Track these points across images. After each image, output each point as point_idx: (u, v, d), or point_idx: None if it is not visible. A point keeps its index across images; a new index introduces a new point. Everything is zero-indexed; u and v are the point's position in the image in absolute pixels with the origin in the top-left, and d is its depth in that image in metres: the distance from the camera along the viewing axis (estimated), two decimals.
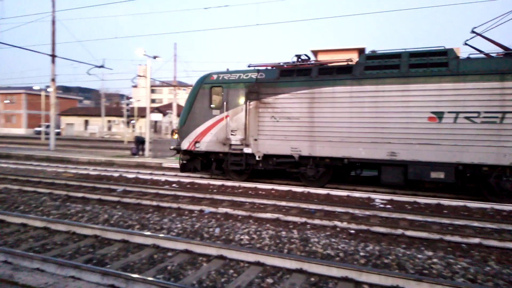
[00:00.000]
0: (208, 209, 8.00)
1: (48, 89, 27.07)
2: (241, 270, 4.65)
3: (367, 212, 7.76)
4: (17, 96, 61.31)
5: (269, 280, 4.35)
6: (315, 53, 33.42)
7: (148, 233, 5.85)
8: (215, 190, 10.20)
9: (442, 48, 9.48)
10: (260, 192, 10.01)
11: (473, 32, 9.93)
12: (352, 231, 6.56)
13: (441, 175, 9.14)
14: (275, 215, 7.36)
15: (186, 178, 11.75)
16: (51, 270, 4.34)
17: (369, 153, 9.80)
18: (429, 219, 7.31)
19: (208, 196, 9.26)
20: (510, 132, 8.58)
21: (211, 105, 11.75)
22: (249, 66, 11.85)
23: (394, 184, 10.01)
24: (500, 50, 9.51)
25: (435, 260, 5.09)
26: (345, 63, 10.70)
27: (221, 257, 4.99)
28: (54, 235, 6.08)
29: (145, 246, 5.52)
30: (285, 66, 11.37)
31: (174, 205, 8.31)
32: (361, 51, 27.06)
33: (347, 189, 10.99)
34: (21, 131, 60.57)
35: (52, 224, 6.39)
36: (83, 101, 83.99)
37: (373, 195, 9.32)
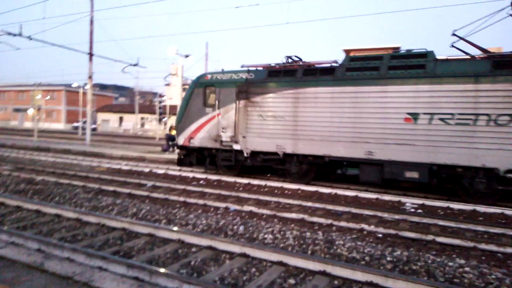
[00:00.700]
0: (233, 206, 8.03)
1: (86, 86, 28.26)
2: (263, 269, 4.63)
3: (397, 216, 7.51)
4: (57, 93, 64.40)
5: (291, 281, 4.30)
6: (347, 52, 32.78)
7: (174, 228, 5.95)
8: (241, 188, 10.23)
9: (423, 50, 9.64)
10: (286, 192, 9.95)
11: (453, 35, 9.97)
12: (380, 235, 6.37)
13: (415, 174, 9.29)
14: (300, 216, 7.28)
15: (214, 175, 11.87)
16: (80, 260, 4.50)
17: (348, 152, 10.07)
18: (463, 226, 6.97)
19: (234, 194, 9.30)
20: (483, 134, 8.60)
21: (205, 104, 12.33)
22: (242, 67, 12.25)
23: (372, 183, 10.22)
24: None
25: (467, 268, 4.84)
26: (328, 65, 10.92)
27: (244, 255, 4.98)
28: (85, 226, 6.31)
29: (171, 240, 5.61)
30: (276, 66, 11.72)
31: (201, 202, 8.41)
32: (395, 50, 26.27)
33: (372, 191, 10.70)
34: (60, 126, 63.60)
35: (83, 215, 6.64)
36: (118, 98, 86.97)
37: (403, 199, 9.02)
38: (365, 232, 6.50)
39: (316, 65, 11.17)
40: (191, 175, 11.92)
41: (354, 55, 10.54)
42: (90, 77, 23.63)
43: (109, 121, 60.65)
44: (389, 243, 5.97)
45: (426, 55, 9.49)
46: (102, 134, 45.45)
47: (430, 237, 6.19)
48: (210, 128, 12.19)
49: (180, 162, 13.27)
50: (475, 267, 4.93)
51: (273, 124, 11.11)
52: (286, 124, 10.90)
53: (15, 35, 19.06)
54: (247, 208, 7.88)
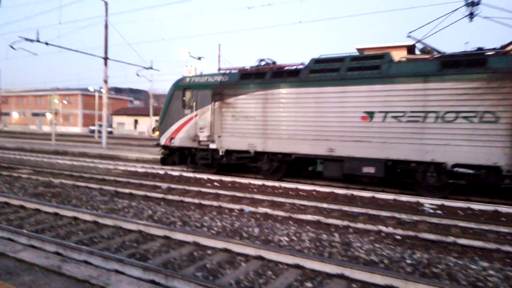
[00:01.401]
0: (248, 208, 7.99)
1: (101, 90, 28.74)
2: (279, 272, 4.56)
3: (415, 217, 7.33)
4: (73, 97, 65.72)
5: (308, 284, 4.22)
6: (360, 51, 32.38)
7: (189, 230, 5.94)
8: (255, 190, 10.19)
9: (381, 52, 10.28)
10: (300, 193, 9.85)
11: (408, 36, 10.46)
12: (398, 237, 6.23)
13: (371, 170, 9.80)
14: (316, 217, 7.18)
15: (227, 177, 11.86)
16: (97, 263, 4.53)
17: (312, 149, 10.67)
18: (485, 227, 6.76)
19: (248, 195, 9.27)
20: (431, 131, 9.08)
21: (184, 105, 13.06)
22: (219, 70, 13.08)
23: (334, 178, 10.78)
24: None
25: (491, 271, 4.67)
26: (294, 67, 11.46)
27: (259, 257, 4.93)
28: (101, 228, 6.37)
29: (186, 243, 5.61)
30: (249, 69, 12.33)
31: (215, 203, 8.40)
32: (410, 48, 25.74)
33: (373, 190, 10.51)
34: (77, 129, 64.86)
35: (100, 218, 6.70)
36: (133, 101, 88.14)
37: (422, 200, 8.82)
38: (383, 234, 6.37)
39: (287, 68, 11.65)
40: (205, 176, 11.94)
41: (318, 58, 11.07)
42: (105, 81, 23.98)
43: (125, 124, 61.54)
44: (408, 245, 5.83)
45: (383, 57, 10.00)
46: (118, 137, 46.12)
47: (450, 239, 6.02)
48: (188, 128, 12.89)
49: (164, 161, 13.88)
50: (499, 270, 4.76)
51: (245, 124, 11.75)
52: (256, 123, 11.56)
53: (32, 41, 19.49)
54: (261, 209, 7.83)
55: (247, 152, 11.82)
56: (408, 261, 5.01)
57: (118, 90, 70.28)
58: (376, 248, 5.49)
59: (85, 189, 10.07)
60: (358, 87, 9.90)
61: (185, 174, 12.54)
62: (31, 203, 7.77)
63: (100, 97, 40.75)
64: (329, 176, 10.65)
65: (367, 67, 9.96)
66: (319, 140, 10.50)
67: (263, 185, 10.73)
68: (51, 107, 25.49)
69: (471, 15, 10.04)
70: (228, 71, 12.69)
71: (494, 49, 9.25)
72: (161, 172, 13.03)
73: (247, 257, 4.99)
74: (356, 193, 9.53)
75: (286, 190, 10.14)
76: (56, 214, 7.21)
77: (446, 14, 9.80)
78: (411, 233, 6.32)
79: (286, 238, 5.92)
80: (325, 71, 10.56)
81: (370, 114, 9.76)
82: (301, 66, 11.29)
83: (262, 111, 11.43)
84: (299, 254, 4.82)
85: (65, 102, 63.77)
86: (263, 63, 12.41)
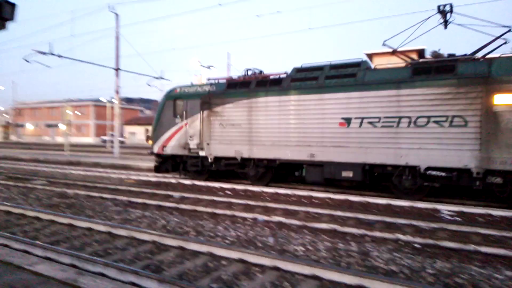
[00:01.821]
0: (261, 217, 7.90)
1: (113, 100, 29.09)
2: (296, 283, 4.46)
3: (433, 225, 7.15)
4: (86, 108, 66.73)
5: None
6: (370, 56, 32.15)
7: (204, 240, 5.89)
8: (268, 198, 10.10)
9: (359, 60, 10.50)
10: (314, 200, 9.72)
11: (384, 44, 10.65)
12: (417, 245, 6.06)
13: (350, 174, 10.09)
14: (331, 226, 7.05)
15: (239, 185, 11.80)
16: (112, 275, 4.49)
17: (294, 155, 11.02)
18: (507, 234, 6.54)
19: (261, 204, 9.18)
20: (405, 135, 9.37)
21: (175, 114, 13.48)
22: (208, 80, 13.52)
23: (315, 183, 11.15)
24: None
25: None
26: (277, 76, 11.86)
27: (275, 268, 4.84)
28: (116, 239, 6.35)
29: (200, 253, 5.55)
30: (237, 79, 12.77)
31: (228, 212, 8.33)
32: (420, 52, 25.50)
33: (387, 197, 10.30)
34: (90, 139, 65.73)
35: (114, 229, 6.69)
36: (145, 111, 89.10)
37: (439, 206, 8.60)
38: (401, 243, 6.20)
39: (271, 77, 12.00)
40: (217, 185, 11.90)
41: (300, 66, 11.49)
42: (117, 91, 24.29)
43: (136, 134, 62.14)
44: (428, 253, 5.66)
45: (360, 64, 10.37)
46: (130, 146, 46.55)
47: (472, 247, 5.83)
48: (179, 137, 13.30)
49: (157, 169, 14.19)
50: None
51: (232, 132, 12.17)
52: (242, 131, 11.96)
53: (46, 53, 19.88)
54: (275, 218, 7.73)
55: (234, 158, 12.18)
56: (429, 271, 4.85)
57: (129, 100, 71.24)
58: (395, 257, 5.35)
59: (99, 199, 10.12)
60: (336, 94, 10.28)
61: (197, 183, 12.51)
62: (46, 214, 7.82)
63: (112, 108, 41.28)
64: (311, 181, 10.98)
65: (344, 75, 10.36)
66: (301, 146, 10.87)
67: (276, 193, 10.63)
68: (64, 118, 25.92)
69: (446, 23, 10.25)
70: (215, 81, 13.10)
71: (464, 55, 9.52)
72: (173, 181, 13.04)
73: (263, 268, 4.90)
74: (371, 200, 9.36)
75: (299, 198, 10.03)
76: (70, 225, 7.24)
77: (419, 22, 10.10)
78: (430, 241, 6.15)
79: (302, 248, 5.81)
80: (306, 80, 10.98)
81: (347, 120, 10.12)
82: (284, 75, 11.71)
83: (247, 119, 11.85)
84: (316, 264, 4.71)
85: (77, 113, 64.79)
86: (249, 72, 12.85)
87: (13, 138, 76.96)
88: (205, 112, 12.68)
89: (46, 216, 7.76)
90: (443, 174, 9.04)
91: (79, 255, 5.03)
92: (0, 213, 8.34)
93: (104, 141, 54.68)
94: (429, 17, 10.06)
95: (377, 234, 6.60)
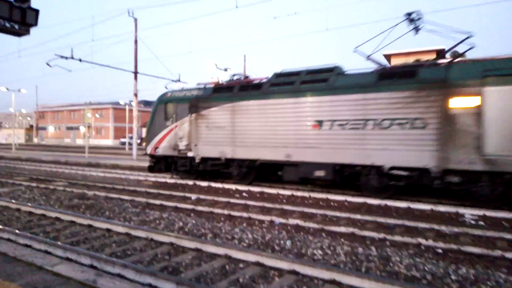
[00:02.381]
0: (278, 220, 7.84)
1: (131, 103, 29.54)
2: (315, 287, 4.38)
3: (456, 229, 6.93)
4: (105, 111, 68.10)
5: None
6: (388, 57, 31.64)
7: (220, 242, 5.87)
8: (284, 200, 10.02)
9: (332, 65, 11.01)
10: (332, 203, 9.59)
11: (355, 51, 11.06)
12: (440, 250, 5.88)
13: (322, 173, 10.63)
14: (350, 229, 6.92)
15: (256, 187, 11.77)
16: (131, 276, 4.52)
17: (272, 155, 11.61)
18: None
19: (278, 206, 9.11)
20: (371, 137, 9.86)
21: (166, 118, 14.21)
22: (198, 84, 14.23)
23: (292, 181, 11.82)
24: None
25: None
26: (258, 81, 12.47)
27: (293, 272, 4.77)
28: (134, 241, 6.41)
29: (218, 255, 5.53)
30: (223, 84, 13.46)
31: (245, 215, 8.30)
32: (439, 52, 24.96)
33: (407, 199, 10.05)
34: (109, 142, 67.01)
35: (132, 230, 6.75)
36: None
37: (461, 210, 8.35)
38: (423, 247, 6.03)
39: (255, 82, 12.55)
40: (233, 187, 11.90)
41: (280, 72, 12.05)
42: (135, 95, 24.66)
43: None
44: (452, 259, 5.48)
45: (333, 70, 10.88)
46: None
47: (497, 253, 5.61)
48: (170, 138, 14.04)
49: (151, 169, 14.97)
50: None
51: (217, 133, 12.83)
52: (226, 133, 12.60)
53: (67, 58, 20.38)
54: (292, 221, 7.65)
55: (219, 159, 12.86)
56: (453, 277, 4.69)
57: (147, 103, 72.30)
58: (417, 263, 5.20)
59: (118, 200, 10.26)
60: (310, 98, 10.86)
61: (213, 184, 12.56)
62: (67, 215, 7.97)
63: (131, 110, 41.97)
64: (288, 180, 11.62)
65: (318, 80, 10.91)
66: (278, 147, 11.46)
67: (292, 195, 10.55)
68: (85, 121, 26.45)
69: (416, 29, 10.62)
70: (203, 86, 13.82)
71: (427, 60, 10.11)
72: (190, 183, 13.12)
73: (280, 272, 4.84)
74: (390, 203, 9.17)
75: (317, 201, 9.92)
76: (90, 226, 7.35)
77: (389, 29, 10.48)
78: (453, 246, 5.96)
79: (320, 252, 5.72)
80: (283, 84, 11.55)
81: (320, 123, 10.69)
82: (263, 80, 12.33)
83: (231, 121, 12.49)
84: (335, 268, 4.62)
85: (97, 115, 66.18)
86: (235, 77, 13.63)
87: (35, 140, 79.24)
88: (193, 115, 13.40)
89: (66, 217, 7.91)
90: (406, 173, 9.51)
91: (99, 256, 5.09)
92: (23, 213, 8.56)
93: (123, 143, 55.64)
94: (397, 24, 10.48)
95: (398, 238, 6.43)
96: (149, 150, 14.73)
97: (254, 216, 8.18)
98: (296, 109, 11.09)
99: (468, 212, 8.24)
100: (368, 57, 10.96)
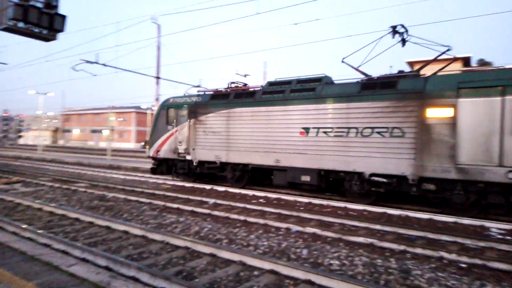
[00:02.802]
0: (295, 227, 7.71)
1: (153, 108, 30.02)
2: None
3: (481, 243, 6.63)
4: (128, 115, 69.52)
5: None
6: (411, 64, 31.03)
7: (236, 248, 5.81)
8: (302, 208, 9.87)
9: (321, 75, 11.55)
10: (350, 212, 9.38)
11: (342, 62, 11.48)
12: (463, 265, 5.62)
13: (308, 178, 11.10)
14: (369, 240, 6.73)
15: (273, 194, 11.67)
16: (145, 280, 4.52)
17: (263, 160, 12.16)
18: None
19: (294, 213, 8.99)
20: (353, 144, 10.29)
21: (167, 122, 14.94)
22: (198, 91, 14.95)
23: (281, 185, 12.29)
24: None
25: None
26: (252, 89, 13.11)
27: (309, 282, 4.65)
28: (150, 243, 6.43)
29: (232, 262, 5.47)
30: (222, 90, 14.05)
31: (261, 221, 8.22)
32: (466, 60, 24.23)
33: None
34: (131, 145, 68.26)
35: (149, 233, 6.79)
36: None
37: (487, 223, 8.00)
38: (445, 261, 5.79)
39: (250, 90, 13.17)
40: (250, 193, 11.84)
41: (273, 80, 12.63)
42: (157, 99, 25.05)
43: None
44: (476, 275, 5.23)
45: (321, 80, 11.40)
46: None
47: None
48: (170, 142, 14.74)
49: (154, 171, 15.70)
50: None
51: (213, 138, 13.48)
52: (221, 138, 13.24)
53: (92, 62, 20.93)
54: (309, 229, 7.52)
55: (214, 163, 13.50)
56: None
57: None
58: (439, 277, 4.98)
59: (136, 203, 10.37)
60: (298, 106, 11.38)
61: (230, 190, 12.54)
62: (86, 216, 8.10)
63: (152, 115, 42.68)
64: (277, 184, 12.16)
65: (306, 89, 11.43)
66: (269, 152, 12.03)
67: (310, 203, 10.39)
68: (108, 124, 27.07)
69: (403, 41, 10.98)
70: (202, 93, 14.53)
71: (411, 71, 10.56)
72: (207, 187, 13.15)
73: (296, 281, 4.74)
74: (412, 214, 8.90)
75: (335, 209, 9.73)
76: (108, 227, 7.44)
77: (375, 40, 10.92)
78: (478, 261, 5.69)
79: (337, 262, 5.57)
80: (274, 93, 12.13)
81: (306, 130, 11.18)
82: (257, 89, 12.93)
83: (226, 127, 13.12)
84: (353, 281, 4.48)
85: (120, 119, 67.64)
86: (233, 85, 14.15)
87: (60, 142, 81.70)
88: (192, 121, 14.09)
89: (86, 217, 8.05)
90: (385, 180, 9.86)
91: (115, 258, 5.12)
92: (45, 213, 8.76)
93: (144, 146, 56.46)
94: (382, 37, 10.98)
95: (419, 251, 6.20)
96: (151, 153, 15.45)
97: (270, 223, 8.09)
98: (285, 116, 11.66)
99: (495, 226, 7.89)
100: (355, 68, 11.29)
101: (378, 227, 7.76)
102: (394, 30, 10.81)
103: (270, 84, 12.60)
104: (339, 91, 10.72)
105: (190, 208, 9.55)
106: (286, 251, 6.11)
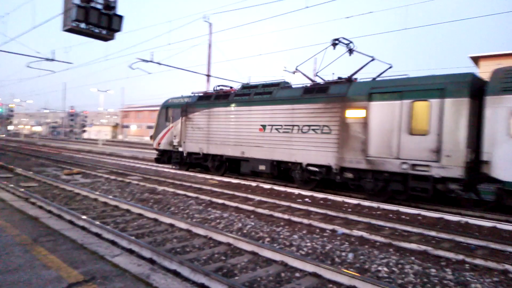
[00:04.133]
0: (341, 229, 7.39)
1: None
2: None
3: None
4: None
5: None
6: (475, 59, 28.84)
7: (278, 248, 5.67)
8: (349, 210, 9.48)
9: (281, 80, 13.85)
10: (403, 216, 8.82)
11: (296, 70, 13.99)
12: None
13: (264, 167, 13.34)
14: (422, 247, 6.24)
15: (319, 193, 11.36)
16: (185, 274, 4.54)
17: (233, 152, 14.42)
18: None
19: (341, 215, 8.64)
20: (295, 139, 12.33)
21: (166, 119, 17.74)
22: (192, 93, 17.24)
23: (246, 174, 14.88)
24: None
25: None
26: (228, 92, 15.43)
27: None
28: (194, 238, 6.51)
29: (273, 261, 5.35)
30: (213, 92, 16.36)
31: (305, 221, 8.00)
32: None
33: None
34: None
35: (193, 227, 6.88)
36: None
37: None
38: (511, 275, 5.18)
39: (228, 92, 15.38)
40: (296, 191, 11.62)
41: (246, 84, 15.01)
42: None
43: None
44: None
45: (279, 84, 13.58)
46: None
47: None
48: (168, 136, 17.51)
49: (157, 161, 18.43)
50: None
51: (198, 133, 15.98)
52: (203, 133, 15.71)
53: (147, 61, 21.88)
54: (357, 232, 7.16)
55: (199, 154, 15.99)
56: None
57: None
58: None
59: (183, 197, 10.62)
60: (258, 107, 13.54)
61: (275, 187, 12.41)
62: (136, 208, 8.43)
63: None
64: (243, 172, 14.47)
65: (265, 92, 13.57)
66: (237, 145, 14.26)
67: (359, 204, 9.95)
68: None
69: (350, 51, 12.69)
70: (193, 95, 17.02)
71: (346, 77, 12.03)
72: (253, 184, 13.14)
73: (339, 286, 4.49)
74: (472, 221, 8.15)
75: (386, 212, 9.20)
76: (155, 220, 7.66)
77: (321, 51, 12.84)
78: None
79: (386, 269, 5.21)
80: (243, 95, 14.33)
81: (264, 127, 13.32)
82: (232, 91, 15.21)
83: (207, 124, 15.57)
84: None
85: None
86: (218, 88, 16.47)
87: (120, 137, 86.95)
88: (183, 118, 16.66)
89: (136, 209, 8.37)
90: (317, 169, 11.81)
91: (158, 251, 5.22)
92: (99, 204, 9.26)
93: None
94: (326, 48, 12.75)
95: (479, 262, 5.63)
96: (154, 144, 18.42)
97: (315, 223, 7.84)
98: (249, 115, 13.84)
99: None
100: (305, 75, 13.85)
101: (433, 233, 7.19)
102: (334, 43, 12.57)
103: (243, 87, 14.91)
104: (287, 95, 12.80)
105: (235, 204, 9.57)
106: (331, 254, 5.85)
